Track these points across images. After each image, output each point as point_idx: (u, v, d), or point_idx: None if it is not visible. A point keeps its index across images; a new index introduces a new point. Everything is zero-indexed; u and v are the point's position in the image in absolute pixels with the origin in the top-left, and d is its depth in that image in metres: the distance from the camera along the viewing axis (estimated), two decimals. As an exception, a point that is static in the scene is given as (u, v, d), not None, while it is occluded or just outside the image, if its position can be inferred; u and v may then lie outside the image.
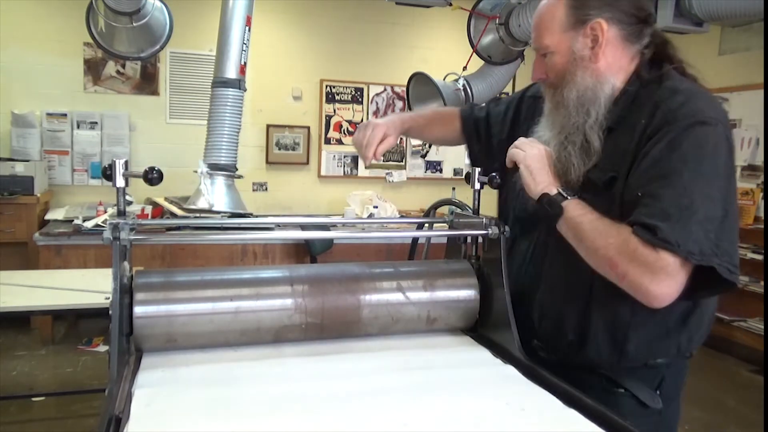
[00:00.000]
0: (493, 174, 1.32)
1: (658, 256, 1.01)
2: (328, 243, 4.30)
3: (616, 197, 1.12)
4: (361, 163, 5.56)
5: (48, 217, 4.42)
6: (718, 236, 1.02)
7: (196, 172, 4.00)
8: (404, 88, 3.99)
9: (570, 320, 1.20)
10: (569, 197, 1.14)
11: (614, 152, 1.14)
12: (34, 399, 3.18)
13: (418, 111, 1.75)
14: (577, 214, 1.12)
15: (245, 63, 3.83)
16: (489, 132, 1.52)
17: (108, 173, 1.12)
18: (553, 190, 1.15)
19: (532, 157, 1.19)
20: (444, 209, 3.38)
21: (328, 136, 5.46)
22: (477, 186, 1.33)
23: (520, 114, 1.45)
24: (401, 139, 5.58)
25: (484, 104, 1.61)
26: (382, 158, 1.54)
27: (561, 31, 1.16)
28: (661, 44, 1.20)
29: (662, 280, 1.02)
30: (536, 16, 1.21)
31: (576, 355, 1.20)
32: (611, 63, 1.16)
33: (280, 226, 1.76)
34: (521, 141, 1.24)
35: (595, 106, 1.15)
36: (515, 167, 1.23)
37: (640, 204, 1.06)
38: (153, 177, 1.12)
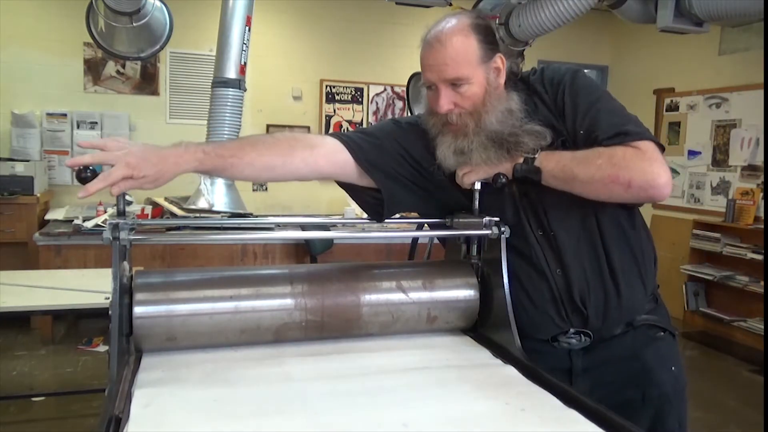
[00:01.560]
0: (499, 174, 1.30)
1: (641, 149, 1.17)
2: (328, 243, 4.30)
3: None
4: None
5: (48, 217, 4.42)
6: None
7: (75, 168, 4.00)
8: (404, 88, 4.00)
9: (606, 277, 1.28)
10: (535, 154, 1.26)
11: (555, 128, 1.29)
12: (34, 399, 3.18)
13: (223, 141, 1.39)
14: (554, 160, 1.23)
15: (245, 63, 3.83)
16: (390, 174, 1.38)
17: (83, 176, 1.06)
18: (519, 159, 1.27)
19: (475, 163, 1.29)
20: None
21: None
22: (477, 186, 1.33)
23: (409, 146, 1.37)
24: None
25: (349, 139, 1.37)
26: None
27: (477, 64, 1.25)
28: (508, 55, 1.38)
29: (658, 165, 1.17)
30: (448, 49, 1.23)
31: (623, 309, 1.29)
32: (501, 84, 1.32)
33: (280, 226, 1.76)
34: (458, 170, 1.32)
35: (515, 117, 1.28)
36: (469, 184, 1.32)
37: (592, 132, 1.22)
38: (87, 176, 1.06)
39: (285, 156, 1.24)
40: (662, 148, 1.21)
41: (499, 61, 1.28)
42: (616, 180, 1.16)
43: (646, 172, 1.15)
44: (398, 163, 1.36)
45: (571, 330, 1.29)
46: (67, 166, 1.10)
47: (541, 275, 1.29)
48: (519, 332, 1.25)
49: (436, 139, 1.32)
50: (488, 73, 1.27)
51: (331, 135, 1.35)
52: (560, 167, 1.22)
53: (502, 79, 1.29)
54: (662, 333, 1.35)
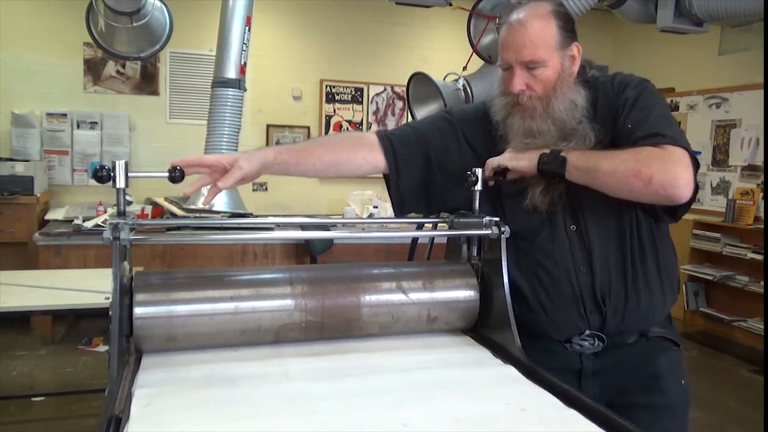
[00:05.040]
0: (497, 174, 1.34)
1: (668, 151, 1.19)
2: (328, 243, 4.30)
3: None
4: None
5: (48, 217, 4.42)
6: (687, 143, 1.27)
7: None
8: (404, 88, 3.99)
9: (629, 280, 1.30)
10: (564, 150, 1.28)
11: (609, 125, 1.31)
12: (34, 399, 3.18)
13: (293, 144, 1.49)
14: (580, 154, 1.26)
15: (245, 63, 3.83)
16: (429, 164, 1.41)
17: (100, 175, 1.10)
18: (546, 151, 1.28)
19: (511, 151, 1.33)
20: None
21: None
22: (478, 186, 1.33)
23: (468, 140, 1.42)
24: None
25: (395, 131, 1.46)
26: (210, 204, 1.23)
27: (555, 48, 1.28)
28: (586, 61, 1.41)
29: (683, 168, 1.17)
30: (529, 31, 1.28)
31: (640, 316, 1.31)
32: (573, 77, 1.34)
33: (280, 226, 1.76)
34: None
35: (579, 110, 1.31)
36: (497, 175, 1.33)
37: (634, 130, 1.25)
38: (176, 176, 1.14)
39: (349, 153, 1.39)
40: (696, 164, 1.21)
41: (575, 49, 1.31)
42: (637, 174, 1.18)
43: (668, 170, 1.17)
44: (427, 168, 1.41)
45: (587, 331, 1.30)
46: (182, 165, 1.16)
47: (564, 272, 1.31)
48: (534, 332, 1.30)
49: (506, 121, 1.34)
50: (563, 60, 1.30)
51: (377, 132, 1.43)
52: (585, 158, 1.24)
53: (576, 68, 1.32)
54: (675, 347, 1.37)
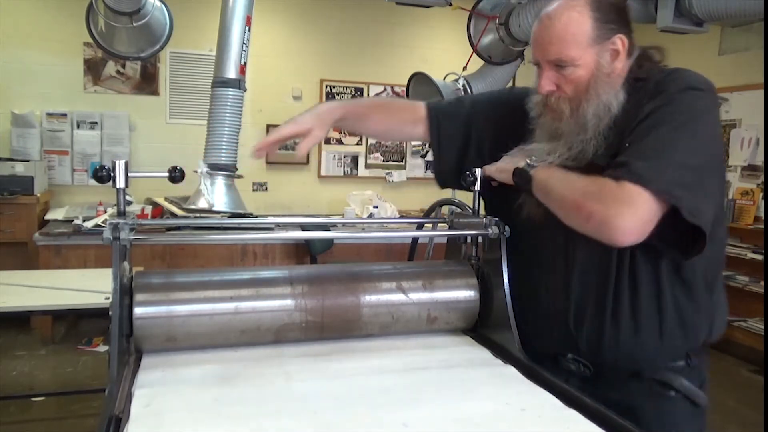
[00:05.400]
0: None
1: (622, 189, 1.03)
2: (328, 243, 4.30)
3: None
4: (361, 163, 5.56)
5: (48, 217, 4.42)
6: (694, 184, 1.04)
7: (196, 172, 4.00)
8: (404, 88, 3.99)
9: (607, 312, 1.18)
10: (536, 164, 1.19)
11: (618, 139, 1.15)
12: (34, 399, 3.18)
13: (360, 100, 1.56)
14: (545, 172, 1.16)
15: (245, 63, 3.83)
16: (468, 131, 1.40)
17: (100, 175, 1.11)
18: (521, 163, 1.20)
19: (501, 162, 1.28)
20: (444, 209, 3.38)
21: (328, 136, 5.46)
22: (477, 186, 1.33)
23: (509, 118, 1.34)
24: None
25: (451, 100, 1.50)
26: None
27: (587, 45, 1.14)
28: (644, 51, 1.23)
29: (627, 210, 1.03)
30: (556, 27, 1.16)
31: (620, 354, 1.18)
32: (618, 75, 1.18)
33: (280, 226, 1.76)
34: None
35: (609, 116, 1.16)
36: (494, 181, 1.30)
37: (622, 151, 1.10)
38: (176, 176, 1.14)
39: (401, 125, 1.44)
40: (672, 205, 1.03)
41: (619, 42, 1.15)
42: (579, 209, 1.08)
43: (609, 211, 1.04)
44: (465, 150, 1.39)
45: (570, 355, 1.23)
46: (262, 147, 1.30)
47: (543, 288, 1.25)
48: (522, 340, 1.23)
49: (538, 119, 1.25)
50: (600, 56, 1.15)
51: (427, 105, 1.43)
52: (545, 178, 1.15)
53: (621, 63, 1.16)
54: (673, 393, 1.21)
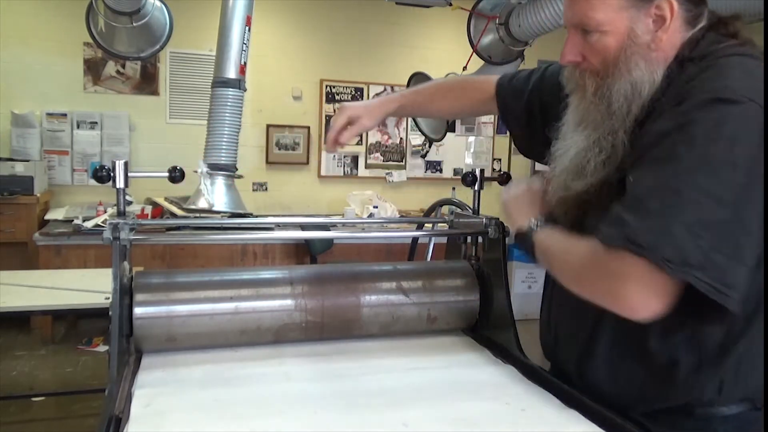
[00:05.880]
0: (505, 172, 1.35)
1: (620, 260, 0.83)
2: (328, 243, 4.30)
3: None
4: (361, 163, 5.56)
5: (48, 217, 4.41)
6: (714, 244, 0.80)
7: (196, 172, 4.00)
8: (404, 88, 3.99)
9: (582, 338, 1.05)
10: (540, 228, 1.04)
11: (641, 145, 0.93)
12: (34, 399, 3.18)
13: (422, 86, 1.44)
14: (546, 239, 1.02)
15: (245, 63, 3.83)
16: (541, 103, 1.24)
17: (100, 175, 1.12)
18: (525, 225, 1.06)
19: (510, 200, 1.14)
20: (444, 209, 3.38)
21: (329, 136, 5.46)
22: (476, 187, 1.33)
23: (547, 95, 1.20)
24: (400, 138, 5.59)
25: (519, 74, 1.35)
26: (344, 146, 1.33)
27: (620, 7, 0.92)
28: (717, 22, 0.97)
29: (630, 288, 0.83)
30: None
31: (605, 394, 1.02)
32: (667, 50, 0.95)
33: (280, 226, 1.76)
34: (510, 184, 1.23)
35: (638, 102, 0.95)
36: None
37: (627, 192, 0.89)
38: (176, 176, 1.14)
39: (471, 106, 1.44)
40: (674, 269, 0.80)
41: (666, 6, 0.92)
42: (581, 283, 0.93)
43: (611, 286, 0.86)
44: (530, 124, 1.28)
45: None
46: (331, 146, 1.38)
47: (545, 298, 1.19)
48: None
49: (570, 97, 1.05)
50: (636, 22, 0.93)
51: (498, 83, 1.35)
52: (546, 246, 1.01)
53: (666, 34, 0.93)
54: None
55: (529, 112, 1.26)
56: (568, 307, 1.07)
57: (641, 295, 0.83)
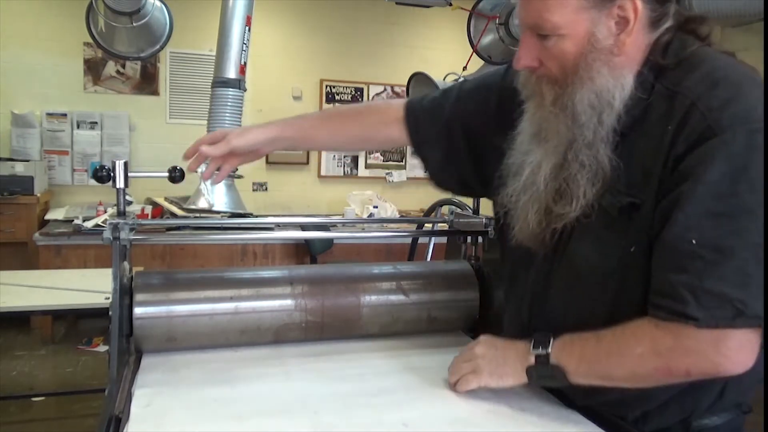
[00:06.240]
0: None
1: (697, 338, 0.78)
2: (328, 243, 4.30)
3: (639, 231, 0.85)
4: (361, 163, 5.56)
5: (48, 217, 4.41)
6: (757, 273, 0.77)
7: (196, 172, 3.99)
8: (404, 88, 3.99)
9: None
10: (548, 349, 0.91)
11: (630, 168, 0.87)
12: (34, 399, 3.18)
13: (305, 114, 1.27)
14: (575, 355, 0.89)
15: (245, 63, 3.83)
16: (459, 127, 1.14)
17: (100, 175, 1.12)
18: (531, 359, 0.93)
19: (478, 367, 0.98)
20: (444, 209, 3.38)
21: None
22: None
23: (508, 103, 1.04)
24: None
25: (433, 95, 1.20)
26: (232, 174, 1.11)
27: (579, 8, 0.83)
28: (684, 22, 0.91)
29: (736, 359, 0.79)
30: None
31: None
32: (632, 54, 0.87)
33: (280, 226, 1.76)
34: (454, 363, 1.03)
35: (610, 111, 0.87)
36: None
37: (695, 258, 0.77)
38: (176, 176, 1.14)
39: (371, 131, 1.22)
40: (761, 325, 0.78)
41: (629, 6, 0.83)
42: (668, 373, 0.82)
43: (707, 361, 0.79)
44: (455, 137, 1.15)
45: None
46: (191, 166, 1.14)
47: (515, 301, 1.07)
48: None
49: (526, 104, 0.97)
50: (597, 24, 0.84)
51: (406, 103, 1.20)
52: (586, 365, 0.88)
53: (630, 37, 0.85)
54: None
55: (449, 133, 1.14)
56: (560, 317, 0.97)
57: (743, 358, 0.79)
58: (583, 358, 0.88)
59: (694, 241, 0.78)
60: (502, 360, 0.96)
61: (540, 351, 0.92)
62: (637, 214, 0.85)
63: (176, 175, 1.15)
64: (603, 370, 0.88)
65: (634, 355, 0.84)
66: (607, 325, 0.88)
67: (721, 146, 0.78)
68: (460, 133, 1.14)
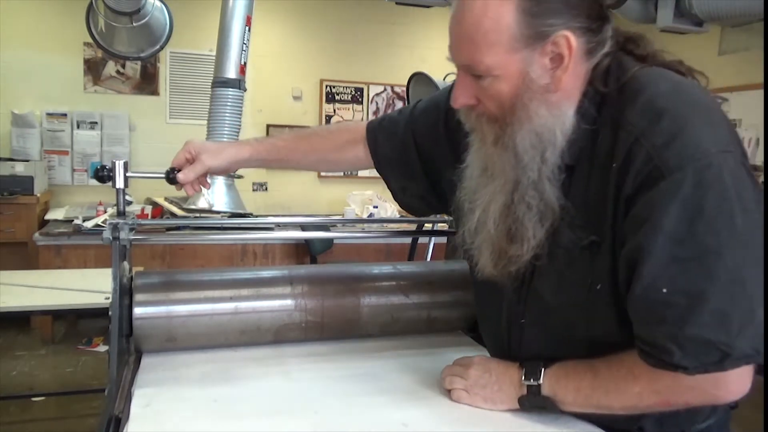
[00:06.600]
0: None
1: (693, 379, 0.78)
2: (328, 243, 4.30)
3: (602, 269, 0.84)
4: (361, 163, 5.56)
5: (48, 217, 4.42)
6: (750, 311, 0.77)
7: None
8: (404, 88, 3.99)
9: None
10: (539, 380, 0.91)
11: (585, 203, 0.86)
12: (34, 399, 3.18)
13: (277, 135, 1.30)
14: (571, 388, 0.89)
15: (245, 63, 3.83)
16: (416, 150, 1.14)
17: (101, 175, 1.12)
18: (523, 389, 0.93)
19: (472, 390, 0.98)
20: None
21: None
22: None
23: (453, 134, 1.05)
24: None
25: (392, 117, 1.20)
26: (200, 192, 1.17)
27: (511, 49, 0.81)
28: (624, 42, 0.90)
29: (733, 390, 0.80)
30: (466, 20, 0.83)
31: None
32: (570, 87, 0.85)
33: (280, 226, 1.76)
34: (448, 372, 1.03)
35: (552, 149, 0.85)
36: None
37: (670, 306, 0.76)
38: (173, 177, 1.14)
39: (338, 153, 1.22)
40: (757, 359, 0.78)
41: (564, 43, 0.80)
42: (668, 406, 0.83)
43: (707, 392, 0.80)
44: (411, 157, 1.15)
45: None
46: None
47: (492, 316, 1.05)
48: None
49: (471, 136, 0.95)
50: (531, 64, 0.81)
51: (368, 123, 1.21)
52: (583, 398, 0.88)
53: (566, 74, 0.82)
54: None
55: (404, 154, 1.15)
56: (539, 347, 0.97)
57: (741, 387, 0.80)
58: (580, 391, 0.89)
59: (665, 290, 0.77)
60: (497, 387, 0.97)
61: (531, 382, 0.92)
62: (598, 251, 0.84)
63: (173, 177, 1.14)
64: (601, 403, 0.88)
65: (632, 393, 0.84)
66: (589, 351, 0.88)
67: (673, 189, 0.75)
68: (415, 154, 1.14)
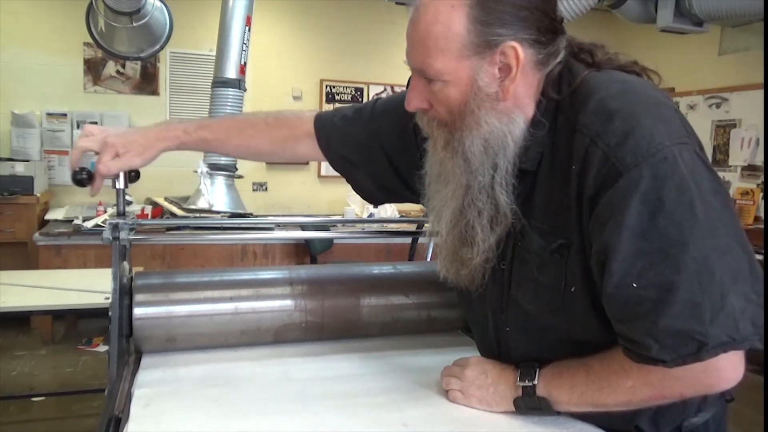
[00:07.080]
0: None
1: (682, 370, 0.78)
2: (328, 243, 4.30)
3: (574, 272, 0.85)
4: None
5: (48, 217, 4.41)
6: (757, 293, 0.78)
7: (196, 172, 3.99)
8: (404, 88, 3.99)
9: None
10: (534, 381, 0.92)
11: (550, 207, 0.87)
12: (34, 399, 3.18)
13: (209, 120, 1.24)
14: (565, 387, 0.90)
15: (245, 63, 3.82)
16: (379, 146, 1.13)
17: (79, 178, 1.11)
18: (518, 391, 0.94)
19: (468, 391, 0.99)
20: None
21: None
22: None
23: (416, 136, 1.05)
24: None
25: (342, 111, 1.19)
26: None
27: (460, 55, 0.83)
28: (578, 51, 0.91)
29: (725, 377, 0.81)
30: (420, 25, 0.86)
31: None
32: (521, 96, 0.87)
33: (280, 226, 1.76)
34: (446, 372, 1.03)
35: (503, 155, 0.86)
36: None
37: (641, 300, 0.77)
38: (83, 177, 1.13)
39: (283, 144, 1.19)
40: (746, 345, 0.79)
41: (511, 53, 0.82)
42: (662, 398, 0.84)
43: (700, 382, 0.81)
44: (375, 155, 1.14)
45: None
46: (71, 168, 1.13)
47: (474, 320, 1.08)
48: None
49: (427, 142, 0.97)
50: (479, 71, 0.84)
51: (316, 119, 1.18)
52: (578, 396, 0.89)
53: (513, 83, 0.84)
54: None
55: (367, 156, 1.14)
56: (525, 350, 0.97)
57: (733, 375, 0.81)
58: (574, 389, 0.89)
59: (635, 285, 0.77)
60: (493, 389, 0.97)
61: (527, 383, 0.93)
62: (568, 253, 0.85)
63: (83, 177, 1.14)
64: (596, 400, 0.88)
65: (625, 387, 0.84)
66: (576, 354, 0.89)
67: (631, 186, 0.77)
68: (381, 154, 1.14)
